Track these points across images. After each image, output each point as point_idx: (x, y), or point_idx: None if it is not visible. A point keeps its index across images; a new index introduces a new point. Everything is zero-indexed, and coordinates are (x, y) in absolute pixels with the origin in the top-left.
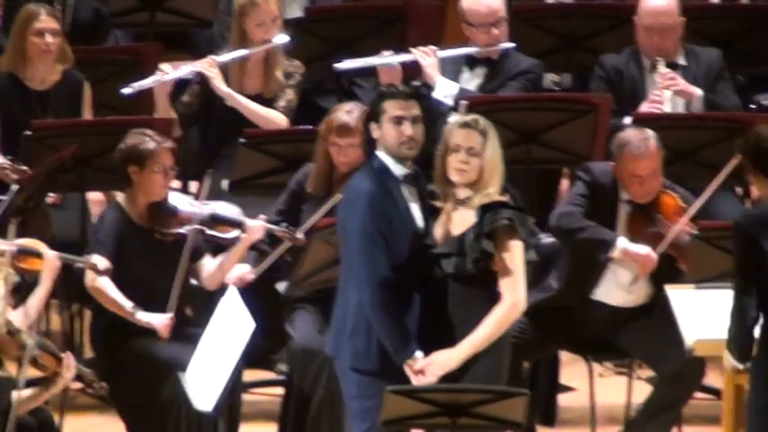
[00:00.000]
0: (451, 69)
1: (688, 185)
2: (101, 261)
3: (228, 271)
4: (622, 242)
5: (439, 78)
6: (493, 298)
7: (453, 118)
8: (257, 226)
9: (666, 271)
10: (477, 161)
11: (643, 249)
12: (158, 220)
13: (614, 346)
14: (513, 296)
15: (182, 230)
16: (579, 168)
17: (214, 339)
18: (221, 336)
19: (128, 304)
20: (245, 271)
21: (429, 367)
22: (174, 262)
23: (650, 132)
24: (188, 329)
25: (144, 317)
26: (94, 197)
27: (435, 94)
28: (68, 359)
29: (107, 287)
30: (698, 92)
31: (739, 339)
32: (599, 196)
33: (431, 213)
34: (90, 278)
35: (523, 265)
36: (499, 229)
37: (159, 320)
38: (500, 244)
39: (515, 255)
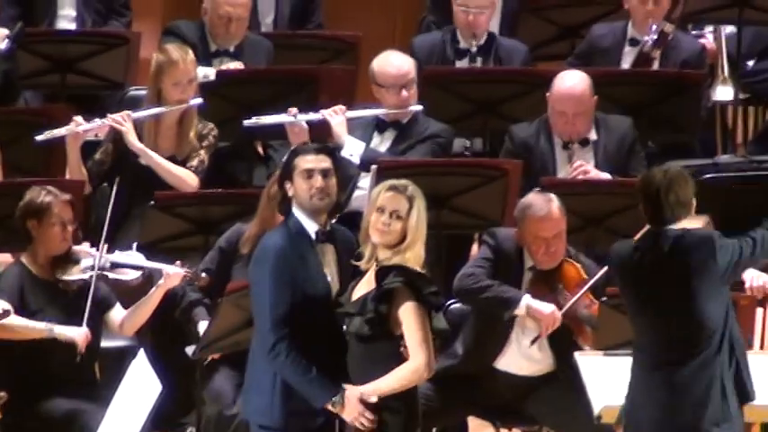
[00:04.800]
0: (361, 134)
1: (598, 252)
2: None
3: (145, 316)
4: (526, 299)
5: (347, 137)
6: (395, 360)
7: (365, 180)
8: (175, 273)
9: (567, 341)
10: (399, 225)
11: (547, 308)
12: (60, 268)
13: (522, 413)
14: (415, 360)
15: (84, 277)
16: (485, 233)
17: (123, 401)
18: (130, 398)
19: (41, 325)
20: None
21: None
22: (79, 312)
23: (553, 196)
24: (95, 391)
25: (61, 330)
26: (4, 259)
27: (343, 152)
28: None
29: (14, 321)
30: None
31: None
32: (503, 262)
33: (355, 274)
34: None
35: (426, 326)
36: (395, 291)
37: (78, 333)
38: (396, 305)
39: (414, 317)
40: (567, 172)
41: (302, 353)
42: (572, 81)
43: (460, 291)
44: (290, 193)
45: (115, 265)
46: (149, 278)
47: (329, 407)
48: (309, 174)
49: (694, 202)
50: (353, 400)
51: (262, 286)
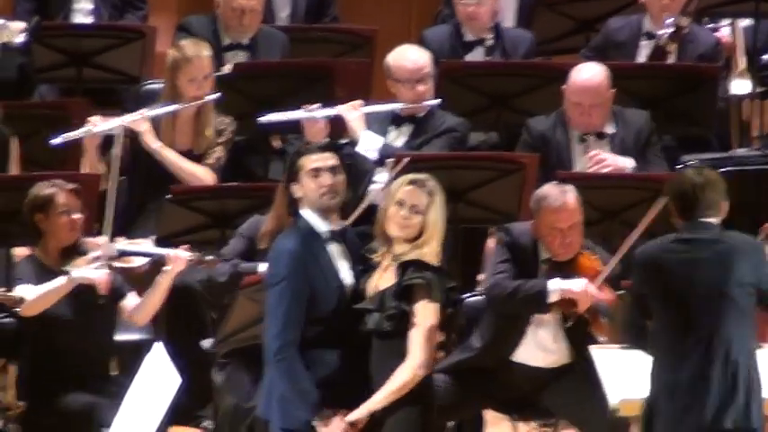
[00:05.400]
0: (378, 128)
1: (614, 245)
2: (23, 290)
3: (157, 303)
4: (556, 285)
5: (363, 132)
6: None
7: (382, 174)
8: (181, 257)
9: (583, 332)
10: (418, 219)
11: (578, 285)
12: (68, 260)
13: (539, 406)
14: (413, 359)
15: (91, 268)
16: (498, 230)
17: (139, 395)
18: (146, 391)
19: (59, 280)
20: None
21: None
22: (91, 302)
23: (569, 186)
24: (112, 385)
25: (80, 273)
26: (20, 252)
27: (359, 148)
28: None
29: (33, 295)
30: (628, 166)
31: None
32: (520, 257)
33: (368, 269)
34: (20, 309)
35: (434, 326)
36: (414, 287)
37: (97, 275)
38: (414, 302)
39: (425, 315)
40: (584, 165)
41: (318, 352)
42: (589, 73)
43: (492, 301)
44: (298, 195)
45: (123, 254)
46: (160, 265)
47: (315, 420)
48: (317, 173)
49: (726, 205)
50: (337, 419)
51: (272, 291)
